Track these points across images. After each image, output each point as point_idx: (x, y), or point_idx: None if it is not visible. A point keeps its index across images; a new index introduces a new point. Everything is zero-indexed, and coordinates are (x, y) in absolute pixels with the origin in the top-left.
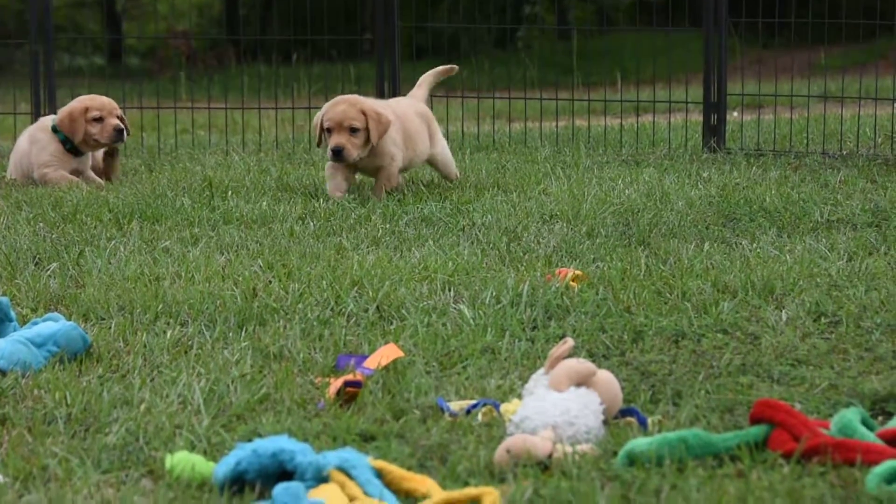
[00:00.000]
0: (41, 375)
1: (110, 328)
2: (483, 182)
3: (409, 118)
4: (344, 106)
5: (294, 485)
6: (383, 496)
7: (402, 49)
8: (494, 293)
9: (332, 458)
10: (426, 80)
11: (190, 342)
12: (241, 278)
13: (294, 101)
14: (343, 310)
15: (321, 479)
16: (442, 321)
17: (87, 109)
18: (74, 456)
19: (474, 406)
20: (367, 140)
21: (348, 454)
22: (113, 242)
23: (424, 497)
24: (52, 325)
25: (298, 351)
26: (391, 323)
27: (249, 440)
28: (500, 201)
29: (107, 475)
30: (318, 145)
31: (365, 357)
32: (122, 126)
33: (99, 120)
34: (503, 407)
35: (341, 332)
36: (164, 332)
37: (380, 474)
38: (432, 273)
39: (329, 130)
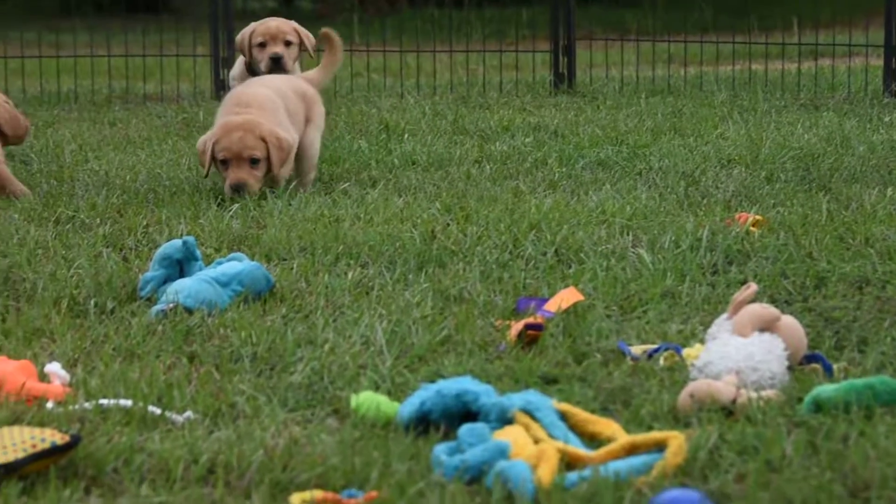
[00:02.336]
0: (227, 314)
1: (292, 269)
2: (659, 126)
3: (288, 97)
4: (240, 133)
5: (479, 426)
6: (568, 439)
7: None
8: (673, 238)
9: (516, 399)
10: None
11: (371, 283)
12: (419, 220)
13: (468, 45)
14: (521, 253)
15: (505, 420)
16: (621, 265)
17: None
18: (261, 394)
19: (656, 350)
20: (269, 170)
21: (532, 396)
22: (293, 184)
23: (609, 440)
24: (237, 264)
25: (478, 293)
26: (570, 266)
27: (432, 381)
28: (676, 145)
29: (293, 413)
30: (206, 176)
31: (545, 300)
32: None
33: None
34: (685, 351)
35: (520, 275)
36: (346, 273)
37: (564, 417)
38: (610, 217)
39: (224, 162)
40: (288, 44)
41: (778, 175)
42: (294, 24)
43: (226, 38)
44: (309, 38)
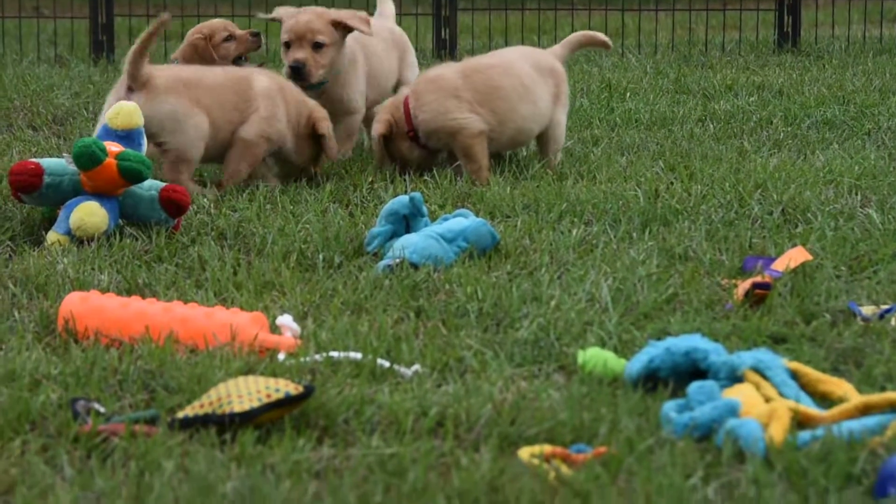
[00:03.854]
0: (452, 270)
1: (516, 226)
2: (888, 86)
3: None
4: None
5: (709, 383)
6: (799, 398)
7: None
8: None
9: (746, 358)
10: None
11: (595, 241)
12: (643, 179)
13: (690, 3)
14: (747, 212)
15: (735, 378)
16: (850, 225)
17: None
18: (488, 349)
19: (888, 311)
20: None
21: (763, 355)
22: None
23: (840, 400)
24: (463, 221)
25: (704, 252)
26: (796, 226)
27: (659, 339)
28: None
29: (520, 368)
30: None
31: (772, 259)
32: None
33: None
34: None
35: (746, 234)
36: (570, 231)
37: (795, 376)
38: (838, 177)
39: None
40: (318, 46)
41: None
42: (335, 14)
43: None
44: (361, 22)
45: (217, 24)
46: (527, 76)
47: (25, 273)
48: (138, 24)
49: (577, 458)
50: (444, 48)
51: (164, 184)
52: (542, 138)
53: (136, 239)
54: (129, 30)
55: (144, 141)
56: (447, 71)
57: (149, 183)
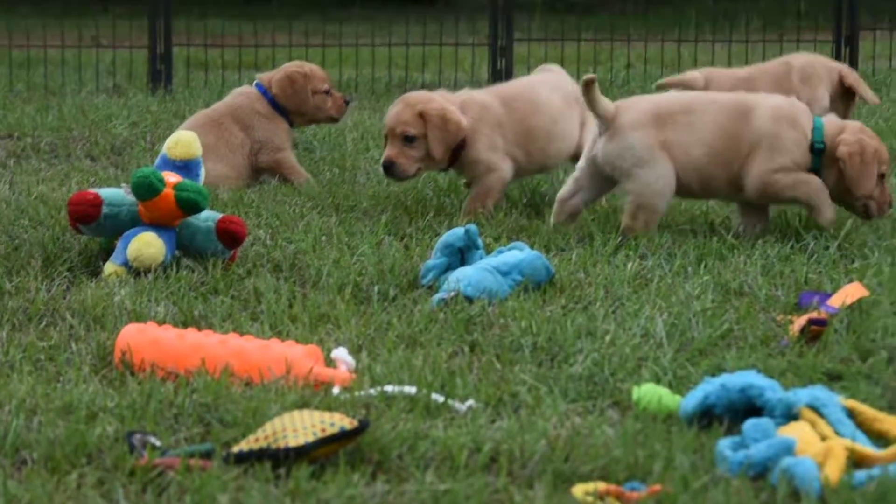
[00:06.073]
0: (507, 303)
1: (571, 259)
2: None
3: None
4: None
5: (764, 421)
6: (855, 436)
7: None
8: None
9: (802, 395)
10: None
11: (650, 275)
12: (698, 213)
13: (747, 35)
14: (803, 247)
15: (791, 416)
16: None
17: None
18: (542, 384)
19: None
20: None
21: (819, 392)
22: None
23: None
24: (518, 254)
25: (760, 287)
26: (853, 261)
27: (714, 375)
28: None
29: (574, 404)
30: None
31: (829, 295)
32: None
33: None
34: None
35: (802, 269)
36: (624, 265)
37: (851, 414)
38: (894, 211)
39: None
40: (409, 139)
41: None
42: (427, 103)
43: (505, 28)
44: (446, 123)
45: (319, 73)
46: None
47: (83, 304)
48: (196, 53)
49: (631, 496)
50: (500, 78)
51: (220, 214)
52: None
53: (193, 270)
54: (187, 59)
55: (202, 171)
56: None
57: (206, 214)
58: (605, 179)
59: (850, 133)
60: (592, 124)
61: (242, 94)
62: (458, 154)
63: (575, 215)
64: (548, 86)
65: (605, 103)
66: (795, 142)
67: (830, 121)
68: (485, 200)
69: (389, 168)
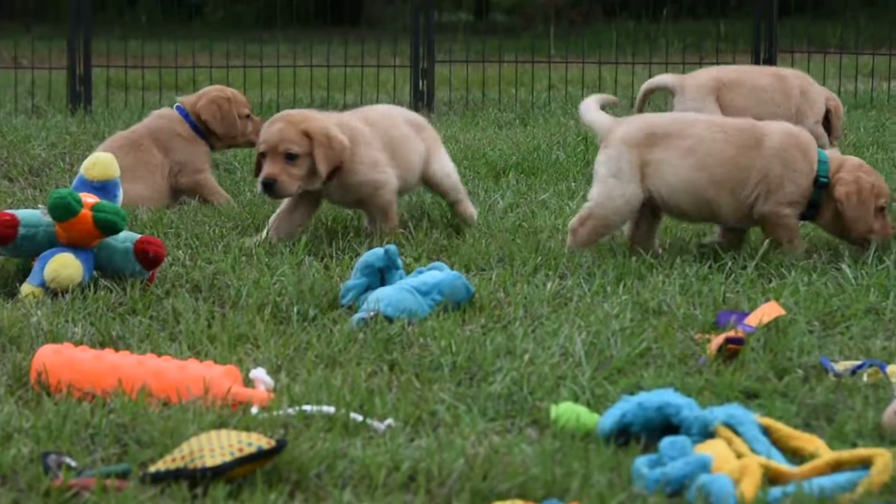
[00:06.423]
0: (426, 323)
1: (491, 279)
2: (861, 140)
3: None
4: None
5: (681, 439)
6: (770, 454)
7: (779, 5)
8: (878, 253)
9: (718, 413)
10: None
11: (569, 294)
12: (617, 233)
13: (667, 57)
14: (722, 266)
15: (707, 434)
16: (823, 280)
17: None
18: (461, 403)
19: (859, 367)
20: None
21: (735, 410)
22: (491, 194)
23: (812, 456)
24: (437, 274)
25: (678, 306)
26: (770, 281)
27: (632, 393)
28: (880, 160)
29: (493, 423)
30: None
31: (746, 314)
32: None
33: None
34: (889, 369)
35: (720, 288)
36: (544, 284)
37: (766, 432)
38: (811, 230)
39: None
40: (291, 157)
41: None
42: (311, 121)
43: (427, 49)
44: (331, 142)
45: (241, 97)
46: None
47: None
48: (116, 74)
49: None
50: (422, 100)
51: (139, 235)
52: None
53: (111, 291)
54: (107, 81)
55: (120, 192)
56: None
57: (124, 235)
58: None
59: (847, 171)
60: (438, 154)
61: (163, 116)
62: (332, 175)
63: (648, 246)
64: (391, 107)
65: (604, 117)
66: (805, 174)
67: (833, 155)
68: (390, 217)
69: (271, 186)
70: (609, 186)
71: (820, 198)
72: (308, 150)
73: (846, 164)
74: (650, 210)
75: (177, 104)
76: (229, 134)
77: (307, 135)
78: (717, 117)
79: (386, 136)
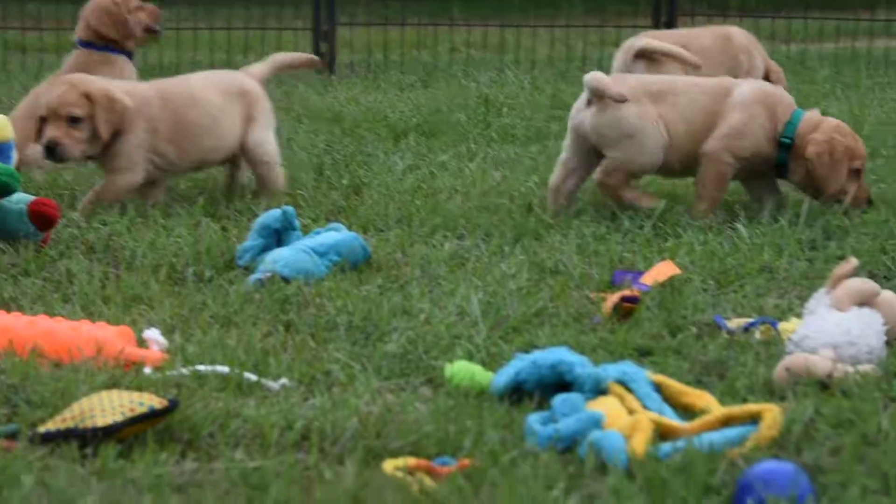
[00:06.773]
0: (323, 284)
1: (389, 239)
2: None
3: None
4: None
5: (573, 396)
6: (662, 410)
7: None
8: (773, 212)
9: (611, 370)
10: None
11: (467, 255)
12: (516, 194)
13: (568, 20)
14: (619, 226)
15: (600, 391)
16: (718, 240)
17: None
18: (356, 362)
19: (752, 324)
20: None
21: (627, 367)
22: (391, 156)
23: (703, 412)
24: (335, 234)
25: (574, 266)
26: (666, 240)
27: (527, 352)
28: None
29: (387, 382)
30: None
31: (641, 273)
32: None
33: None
34: (781, 326)
35: (616, 248)
36: (442, 245)
37: (658, 388)
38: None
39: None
40: (74, 120)
41: (880, 151)
42: (91, 83)
43: (328, 11)
44: (112, 104)
45: None
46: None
47: None
48: (13, 36)
49: (440, 471)
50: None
51: (33, 197)
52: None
53: (4, 252)
54: (5, 42)
55: (14, 153)
56: None
57: (17, 196)
58: (592, 154)
59: (821, 132)
60: (263, 119)
61: (77, 58)
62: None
63: (571, 199)
64: (208, 82)
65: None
66: (764, 130)
67: (810, 116)
68: (106, 197)
69: (53, 150)
70: (629, 146)
71: (785, 159)
72: (90, 113)
73: (823, 124)
74: (586, 160)
75: (76, 39)
76: (126, 33)
77: (88, 97)
78: (696, 77)
79: (175, 114)
